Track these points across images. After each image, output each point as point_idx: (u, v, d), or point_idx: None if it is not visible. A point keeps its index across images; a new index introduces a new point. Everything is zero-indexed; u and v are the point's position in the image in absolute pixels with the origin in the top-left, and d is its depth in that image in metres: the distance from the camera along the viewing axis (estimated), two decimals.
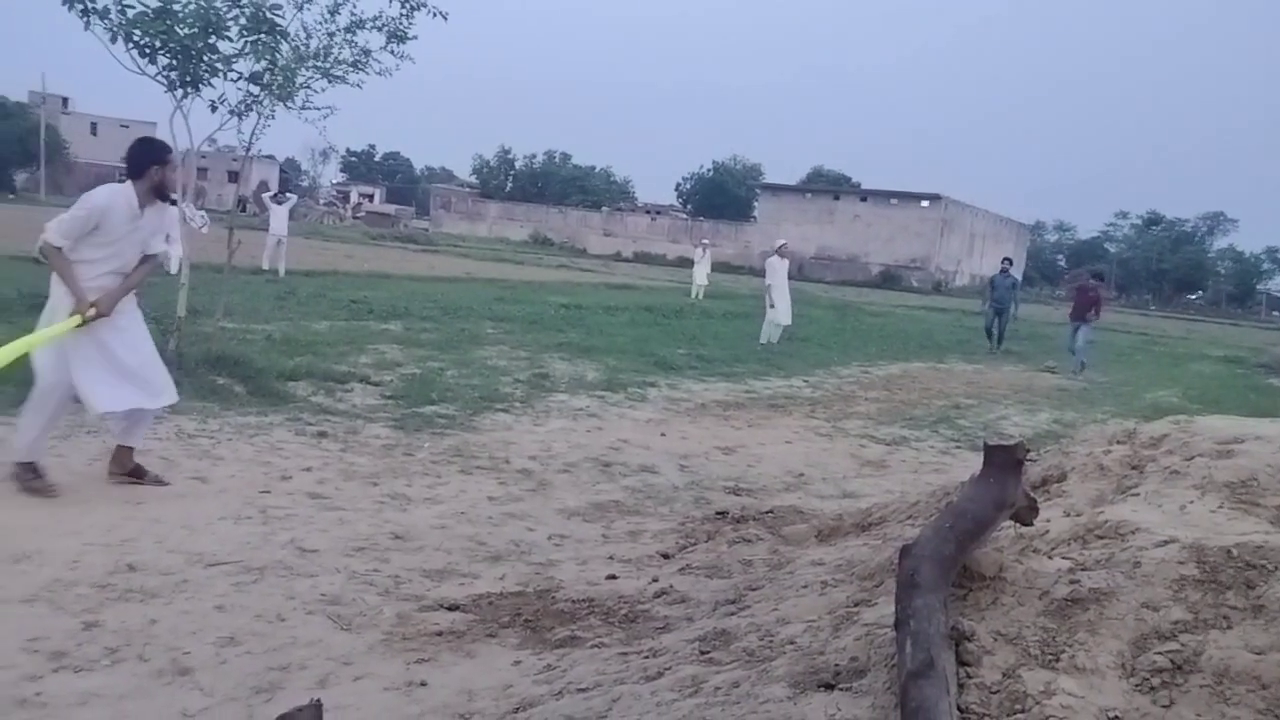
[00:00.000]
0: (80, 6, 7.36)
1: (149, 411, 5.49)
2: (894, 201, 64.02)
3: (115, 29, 7.49)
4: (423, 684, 3.33)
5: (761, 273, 17.60)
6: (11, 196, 53.13)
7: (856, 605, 3.34)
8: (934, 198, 62.57)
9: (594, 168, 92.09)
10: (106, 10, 7.43)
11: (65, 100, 76.80)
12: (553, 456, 7.08)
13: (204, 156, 13.09)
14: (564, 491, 6.19)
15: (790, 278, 17.40)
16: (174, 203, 5.51)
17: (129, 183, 5.29)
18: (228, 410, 7.26)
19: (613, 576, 4.62)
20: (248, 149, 8.77)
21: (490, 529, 5.25)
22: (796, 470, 7.41)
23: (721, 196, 79.82)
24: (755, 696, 2.75)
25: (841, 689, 2.57)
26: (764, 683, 2.85)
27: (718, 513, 5.93)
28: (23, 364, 5.02)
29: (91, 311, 5.07)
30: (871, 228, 63.50)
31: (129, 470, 5.48)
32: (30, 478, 5.12)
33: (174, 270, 19.95)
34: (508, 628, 3.88)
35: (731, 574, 4.69)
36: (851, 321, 24.39)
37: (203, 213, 9.15)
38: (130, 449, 5.50)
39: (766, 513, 5.87)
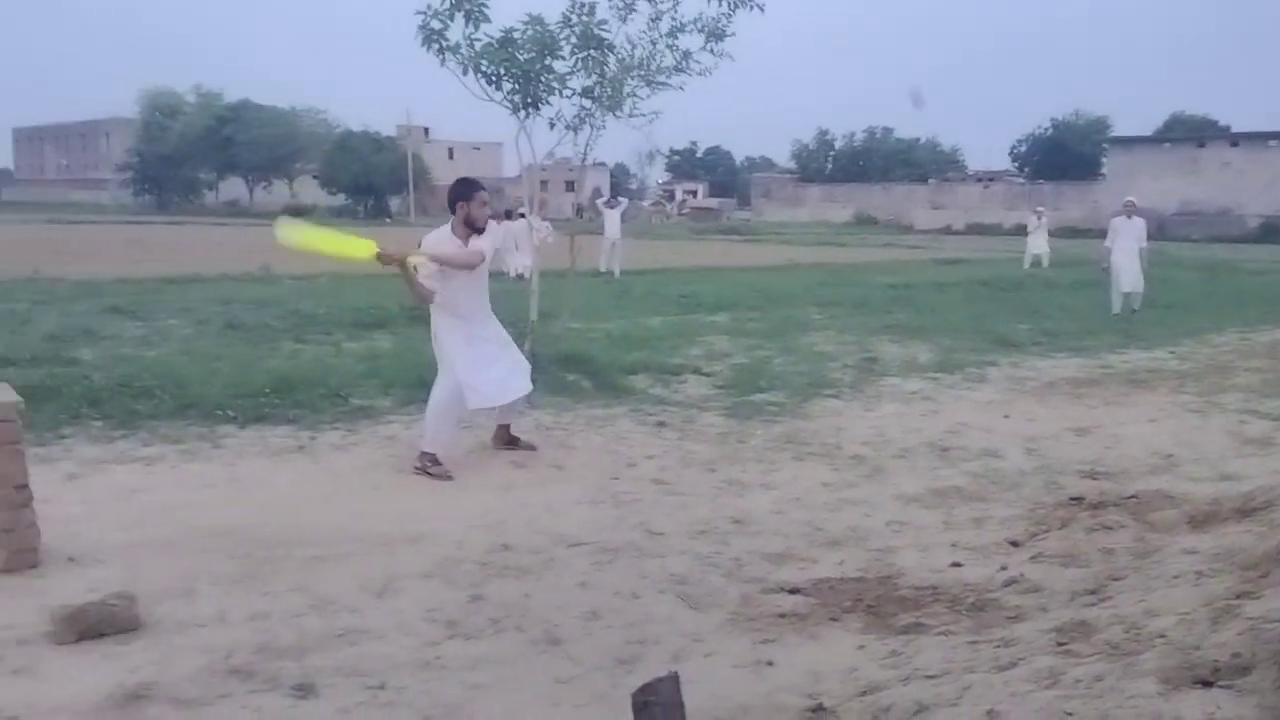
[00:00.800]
0: (436, 45, 8.23)
1: (518, 401, 6.44)
2: (1273, 144, 56.24)
3: (466, 62, 8.31)
4: (769, 663, 3.45)
5: None
6: (388, 221, 60.15)
7: (1238, 597, 3.04)
8: None
9: (918, 139, 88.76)
10: (458, 46, 8.26)
11: (426, 130, 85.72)
12: (886, 442, 6.98)
13: (544, 170, 14.24)
14: (900, 477, 6.09)
15: (1150, 238, 15.79)
16: (480, 232, 6.05)
17: (449, 223, 6.08)
18: (578, 404, 7.83)
19: (957, 564, 4.50)
20: (583, 159, 9.39)
21: (827, 514, 5.29)
22: (1163, 451, 6.78)
23: (1063, 156, 73.89)
24: (1121, 691, 2.59)
25: (1221, 686, 2.37)
26: (1131, 677, 2.67)
27: (1072, 498, 5.56)
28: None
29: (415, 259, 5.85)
30: (1245, 175, 56.18)
31: (508, 441, 6.50)
32: (433, 464, 5.90)
33: (525, 276, 21.67)
34: (850, 612, 3.91)
35: (1090, 563, 4.40)
36: (1225, 282, 21.78)
37: (547, 223, 9.91)
38: (507, 425, 6.53)
39: (1129, 498, 5.44)
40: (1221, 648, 2.57)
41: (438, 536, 4.75)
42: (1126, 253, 14.94)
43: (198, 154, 73.42)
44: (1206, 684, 2.43)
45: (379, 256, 5.65)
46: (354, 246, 5.69)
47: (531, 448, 6.49)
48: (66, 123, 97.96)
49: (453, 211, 6.06)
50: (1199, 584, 3.35)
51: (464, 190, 6.10)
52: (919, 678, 3.14)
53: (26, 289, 14.66)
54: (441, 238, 6.05)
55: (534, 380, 8.20)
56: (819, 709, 3.07)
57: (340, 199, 72.97)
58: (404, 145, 70.68)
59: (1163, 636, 3.08)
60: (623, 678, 3.30)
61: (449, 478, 5.83)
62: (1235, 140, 59.70)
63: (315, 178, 74.22)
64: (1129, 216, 15.31)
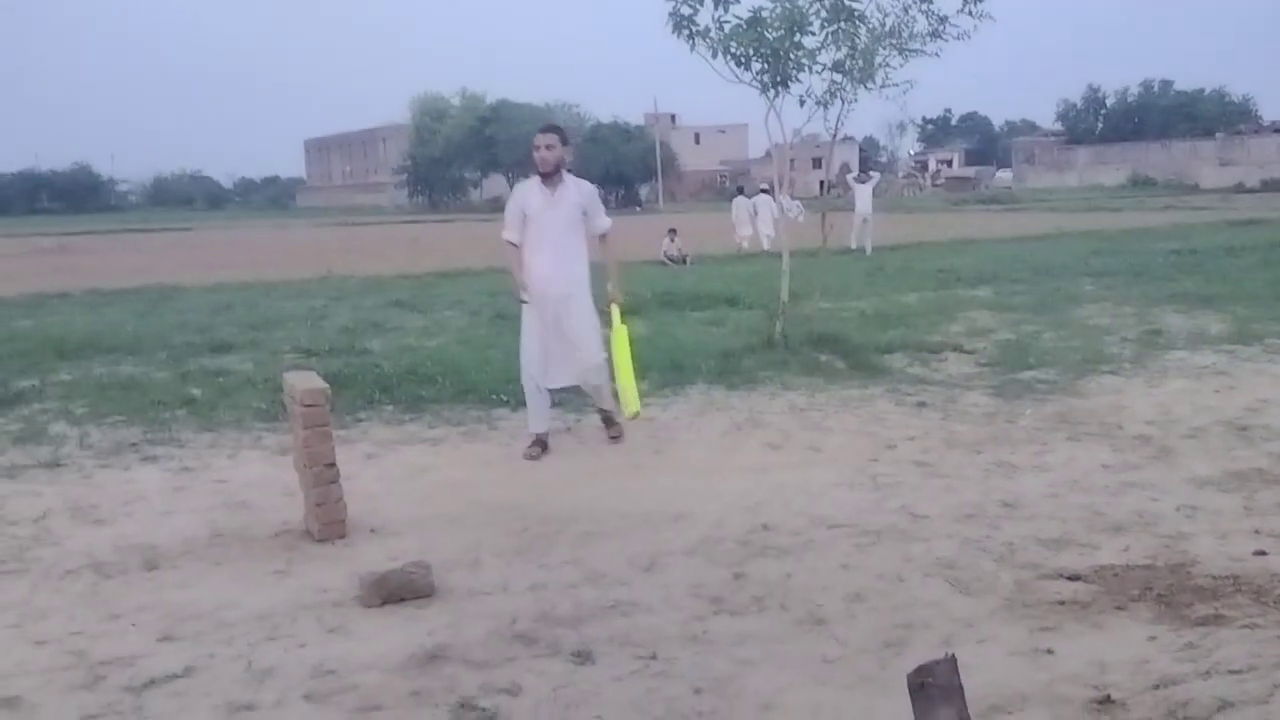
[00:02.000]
0: (686, 31, 8.36)
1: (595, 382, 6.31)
2: None
3: (715, 45, 8.39)
4: (1049, 651, 3.29)
5: None
6: (638, 209, 61.72)
7: None
8: None
9: (1203, 90, 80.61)
10: (707, 30, 8.35)
11: (673, 117, 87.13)
12: (1174, 420, 6.44)
13: (791, 148, 14.17)
14: (1191, 459, 5.60)
15: None
16: (547, 177, 6.12)
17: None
18: (832, 384, 7.74)
19: (1261, 552, 4.10)
20: (834, 135, 9.25)
21: (1108, 498, 4.95)
22: None
23: None
24: None
25: None
26: None
27: None
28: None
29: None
30: None
31: (604, 419, 6.47)
32: (528, 446, 6.08)
33: (753, 248, 21.42)
34: (1138, 601, 3.65)
35: None
36: None
37: (798, 202, 9.85)
38: (607, 410, 6.40)
39: None
40: None
41: (697, 516, 4.86)
42: None
43: (463, 154, 78.32)
44: None
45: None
46: (620, 337, 6.19)
47: (620, 434, 6.41)
48: (349, 132, 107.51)
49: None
50: None
51: (534, 137, 6.30)
52: (1221, 673, 2.90)
53: (322, 287, 16.26)
54: (522, 190, 6.30)
55: (785, 362, 8.25)
56: (1107, 700, 2.90)
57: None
58: (652, 133, 72.19)
59: None
60: (890, 660, 3.26)
61: (534, 456, 6.01)
62: None
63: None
64: None
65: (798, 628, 3.60)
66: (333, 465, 4.70)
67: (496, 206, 75.01)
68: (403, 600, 3.88)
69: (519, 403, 7.23)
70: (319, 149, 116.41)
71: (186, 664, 3.41)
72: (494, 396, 7.33)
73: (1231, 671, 2.91)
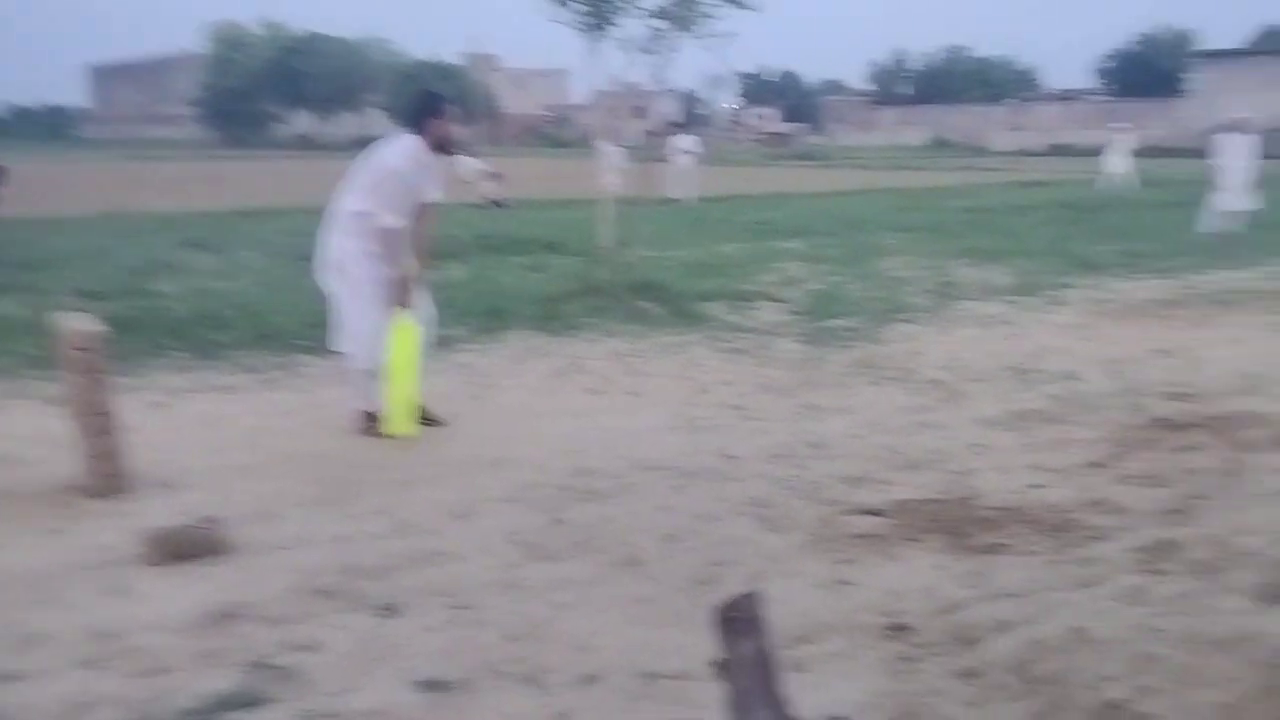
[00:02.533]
0: None
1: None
2: None
3: None
4: (849, 583, 3.43)
5: (1199, 153, 15.43)
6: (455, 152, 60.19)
7: None
8: None
9: (996, 58, 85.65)
10: None
11: (494, 58, 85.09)
12: (964, 365, 6.85)
13: (614, 96, 14.11)
14: (978, 401, 5.97)
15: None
16: (450, 152, 5.39)
17: (414, 137, 5.21)
18: (652, 331, 7.81)
19: (1038, 485, 4.42)
20: (654, 84, 9.23)
21: (904, 438, 5.22)
22: (1250, 373, 6.52)
23: (1148, 73, 70.75)
24: (1211, 608, 2.54)
25: None
26: (1220, 594, 2.61)
27: (1156, 419, 5.42)
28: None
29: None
30: None
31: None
32: (371, 424, 5.25)
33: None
34: (929, 533, 3.87)
35: (1175, 483, 4.31)
36: None
37: (619, 149, 9.81)
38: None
39: (1215, 418, 5.29)
40: None
41: (517, 462, 4.80)
42: (1234, 169, 14.24)
43: (266, 87, 73.99)
44: None
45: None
46: (407, 340, 5.17)
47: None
48: (139, 60, 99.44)
49: (419, 130, 5.21)
50: None
51: (434, 106, 5.29)
52: (1001, 596, 3.11)
53: (107, 224, 15.05)
54: (410, 156, 5.17)
55: (607, 309, 8.23)
56: (900, 627, 3.05)
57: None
58: (472, 74, 70.37)
59: (1253, 554, 3.00)
60: (702, 597, 3.31)
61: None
62: None
63: (383, 109, 74.47)
64: (1240, 132, 14.52)
65: (614, 570, 3.62)
66: (109, 414, 4.34)
67: (306, 144, 71.69)
68: (193, 558, 3.64)
69: (322, 348, 6.94)
70: (105, 77, 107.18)
71: None
72: (296, 342, 6.99)
73: (1009, 595, 3.11)
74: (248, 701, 2.71)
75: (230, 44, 76.44)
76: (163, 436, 5.16)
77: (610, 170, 9.95)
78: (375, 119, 75.12)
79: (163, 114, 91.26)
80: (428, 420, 5.40)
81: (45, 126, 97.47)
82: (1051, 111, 69.90)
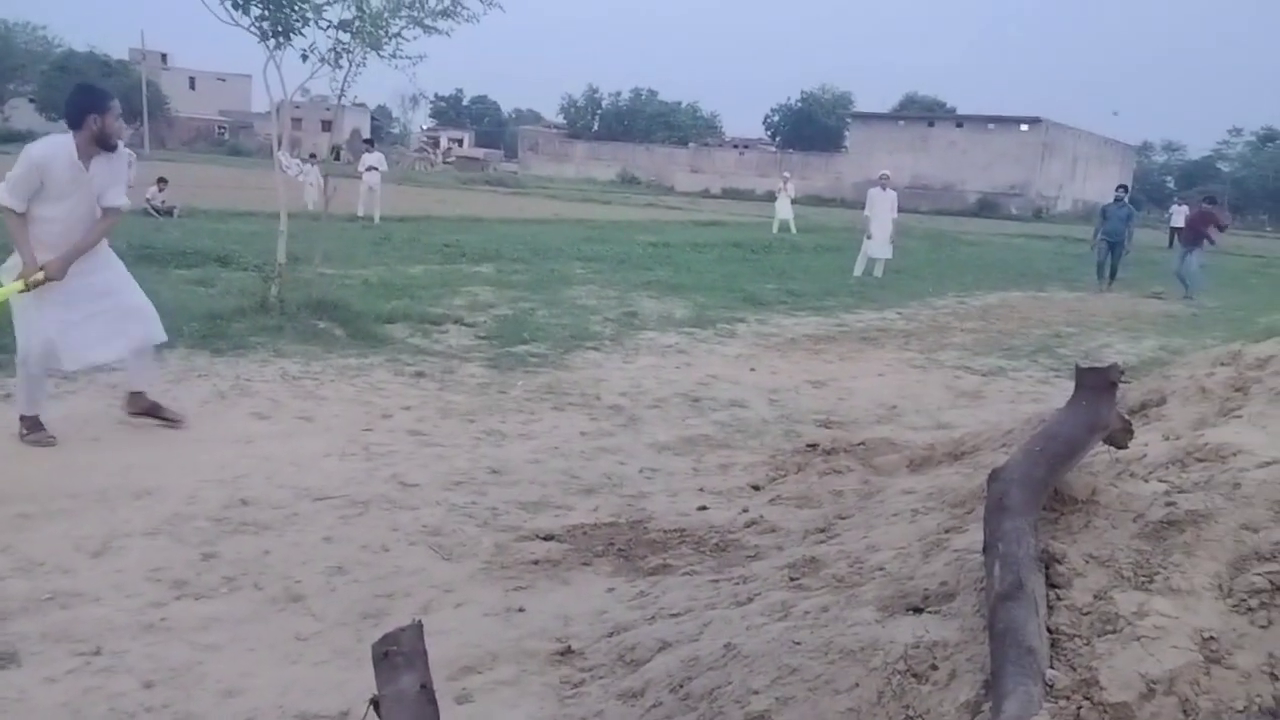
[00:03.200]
0: None
1: (143, 354, 5.42)
2: (991, 127, 61.87)
3: None
4: (520, 610, 3.45)
5: (855, 204, 17.29)
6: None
7: (947, 532, 3.33)
8: (1034, 121, 60.26)
9: (680, 103, 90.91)
10: None
11: (164, 56, 78.79)
12: (643, 393, 7.15)
13: (298, 107, 13.43)
14: (654, 426, 6.25)
15: (901, 209, 16.98)
16: (112, 150, 5.16)
17: (70, 134, 5.03)
18: (329, 353, 7.49)
19: (703, 507, 4.68)
20: (340, 97, 8.92)
21: (583, 463, 5.35)
22: (889, 403, 7.33)
23: (810, 127, 78.13)
24: (844, 620, 2.78)
25: (930, 612, 2.58)
26: (853, 607, 2.87)
27: (808, 445, 5.91)
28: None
29: (39, 275, 4.88)
30: (968, 154, 61.56)
31: (145, 409, 5.45)
32: (30, 431, 5.04)
33: (310, 207, 20.12)
34: (602, 556, 3.97)
35: (822, 504, 4.70)
36: (947, 251, 23.81)
37: (297, 161, 9.36)
38: (141, 392, 5.46)
39: (858, 444, 5.84)
40: (931, 577, 2.80)
41: (165, 491, 4.42)
42: (880, 222, 16.00)
43: None
44: (917, 610, 2.64)
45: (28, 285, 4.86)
46: (6, 290, 4.88)
47: (177, 419, 5.46)
48: None
49: (77, 126, 5.00)
50: (915, 521, 3.64)
51: (95, 100, 5.07)
52: (664, 616, 3.24)
53: None
54: (63, 154, 4.96)
55: (280, 328, 7.81)
56: (567, 651, 3.11)
57: (61, 126, 65.90)
58: (138, 71, 64.69)
59: (882, 569, 3.33)
60: (368, 632, 3.20)
61: (51, 442, 5.00)
62: (960, 122, 65.23)
63: (32, 101, 66.64)
64: (884, 188, 16.36)
65: (271, 606, 3.41)
66: None
67: None
68: None
69: None
70: None
71: None
72: None
73: (672, 615, 3.26)
74: None
75: None
76: None
77: (307, 184, 9.45)
78: (23, 111, 67.14)
79: None
80: (158, 417, 5.41)
81: None
82: (728, 157, 75.19)
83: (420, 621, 2.06)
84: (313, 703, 2.77)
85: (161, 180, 19.15)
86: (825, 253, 20.34)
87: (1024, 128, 60.27)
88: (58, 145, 5.01)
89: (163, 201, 18.49)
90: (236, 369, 6.77)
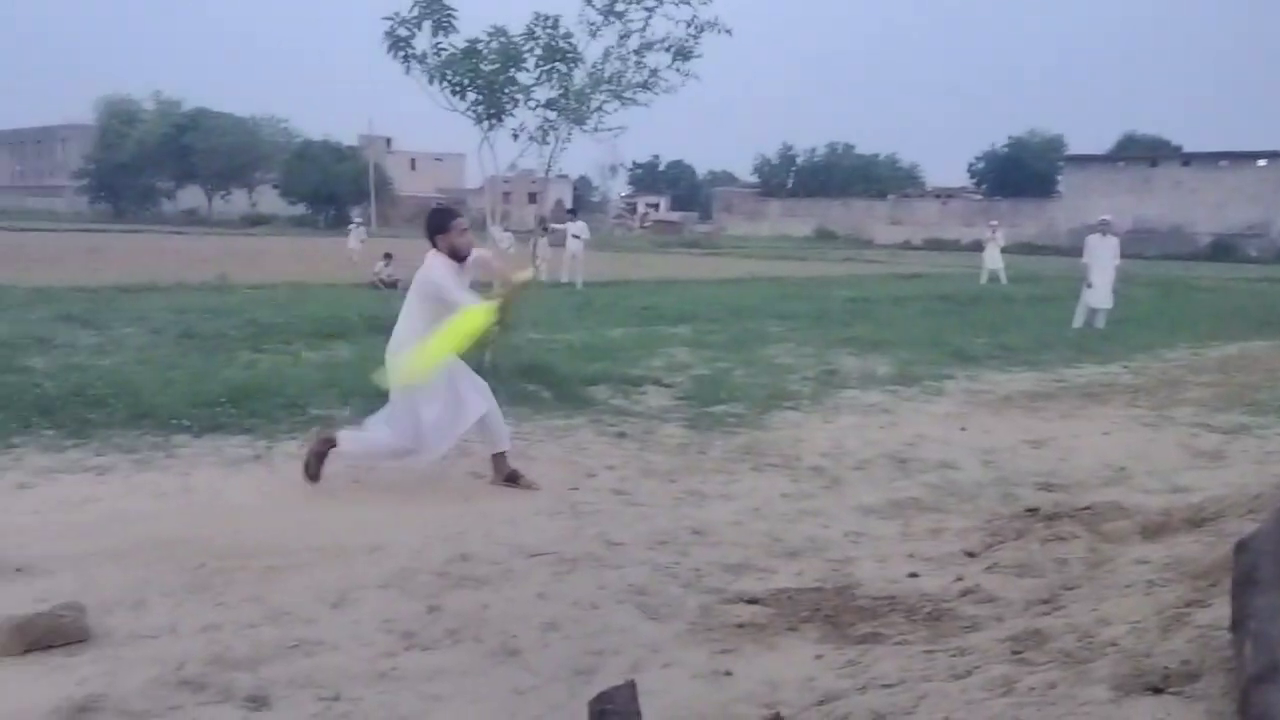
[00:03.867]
0: (402, 53, 8.22)
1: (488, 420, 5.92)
2: (1224, 164, 57.74)
3: (431, 71, 8.31)
4: (728, 673, 3.45)
5: (1070, 251, 16.48)
6: (349, 230, 59.62)
7: (1188, 606, 3.09)
8: (1273, 155, 55.68)
9: (878, 155, 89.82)
10: (424, 55, 8.25)
11: (389, 141, 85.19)
12: (845, 453, 7.03)
13: (507, 181, 14.33)
14: (858, 488, 6.13)
15: (1124, 255, 16.10)
16: (463, 262, 5.80)
17: (434, 251, 5.75)
18: (538, 414, 7.80)
19: (914, 574, 4.54)
20: (546, 171, 9.39)
21: (785, 525, 5.31)
22: (1116, 464, 6.88)
23: (1019, 173, 75.20)
24: (1074, 698, 2.63)
25: (1171, 693, 2.41)
26: (1083, 684, 2.71)
27: (1027, 509, 5.64)
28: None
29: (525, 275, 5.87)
30: (1197, 194, 57.61)
31: (506, 476, 5.90)
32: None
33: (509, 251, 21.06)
34: (808, 622, 3.92)
35: (1044, 573, 4.46)
36: (1178, 299, 22.26)
37: (510, 234, 9.90)
38: (502, 453, 5.94)
39: (1083, 509, 5.51)
40: (1171, 655, 2.62)
41: (394, 547, 4.70)
42: (1101, 269, 15.21)
43: (155, 162, 72.56)
44: (1157, 690, 2.47)
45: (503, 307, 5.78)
46: (471, 321, 5.54)
47: (534, 487, 5.84)
48: (22, 129, 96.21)
49: (434, 245, 5.76)
50: (1150, 593, 3.41)
51: (441, 221, 5.76)
52: (875, 686, 3.15)
53: None
54: (441, 265, 5.71)
55: (494, 391, 8.21)
56: (776, 718, 3.07)
57: (300, 209, 72.31)
58: (366, 155, 70.24)
59: (1115, 644, 3.12)
60: (580, 688, 3.28)
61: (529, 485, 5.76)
62: (1187, 160, 61.20)
63: (275, 187, 73.47)
64: (1104, 234, 15.57)
65: (491, 660, 3.55)
66: None
67: (192, 219, 70.06)
68: (50, 648, 3.45)
69: (203, 427, 6.73)
70: None
71: None
72: (174, 422, 6.75)
73: (885, 685, 3.17)
74: None
75: (121, 117, 74.86)
76: (26, 519, 4.90)
77: (497, 253, 9.98)
78: (268, 196, 74.12)
79: (45, 185, 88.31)
80: (513, 481, 5.85)
81: None
82: (930, 208, 73.44)
83: (633, 682, 2.12)
84: None
85: (387, 255, 20.61)
86: (1040, 303, 19.44)
87: (1262, 163, 55.86)
88: (440, 263, 5.72)
89: (389, 275, 19.88)
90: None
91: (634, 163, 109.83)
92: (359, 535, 4.85)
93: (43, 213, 71.81)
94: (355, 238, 28.79)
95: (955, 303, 19.12)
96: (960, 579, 4.41)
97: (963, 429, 8.00)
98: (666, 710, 3.08)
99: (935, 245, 61.92)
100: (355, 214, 31.91)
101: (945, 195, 77.80)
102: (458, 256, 5.74)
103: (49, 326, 11.13)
